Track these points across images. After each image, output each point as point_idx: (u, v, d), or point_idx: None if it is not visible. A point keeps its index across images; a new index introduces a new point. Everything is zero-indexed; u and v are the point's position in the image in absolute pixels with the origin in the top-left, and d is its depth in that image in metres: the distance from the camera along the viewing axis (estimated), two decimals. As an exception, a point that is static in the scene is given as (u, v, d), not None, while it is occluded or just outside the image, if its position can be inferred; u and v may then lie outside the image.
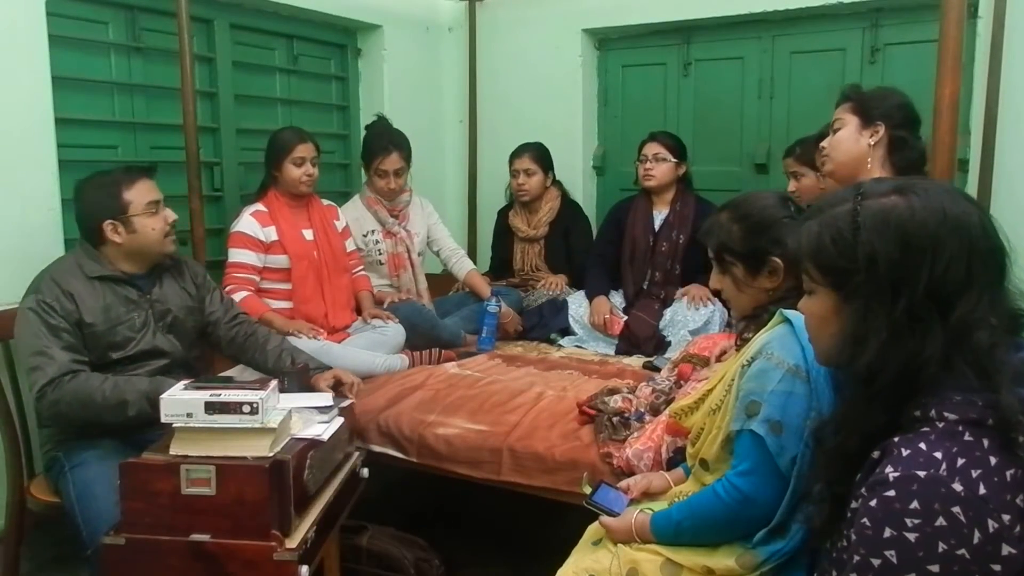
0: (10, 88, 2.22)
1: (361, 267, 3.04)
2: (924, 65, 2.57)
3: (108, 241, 2.01)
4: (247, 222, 2.63)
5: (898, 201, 0.94)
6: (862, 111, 1.95)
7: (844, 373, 0.98)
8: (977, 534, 0.81)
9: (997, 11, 2.74)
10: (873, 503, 0.86)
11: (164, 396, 1.59)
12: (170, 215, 2.08)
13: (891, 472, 0.86)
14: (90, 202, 2.02)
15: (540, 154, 3.40)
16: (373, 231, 3.10)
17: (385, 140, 3.03)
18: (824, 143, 2.04)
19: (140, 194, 2.01)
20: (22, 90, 2.25)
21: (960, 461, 0.84)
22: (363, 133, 3.20)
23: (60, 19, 2.44)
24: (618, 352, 2.96)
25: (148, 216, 2.02)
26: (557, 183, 3.47)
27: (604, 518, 1.54)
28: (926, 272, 0.90)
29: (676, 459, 1.79)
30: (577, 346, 3.06)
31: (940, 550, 0.81)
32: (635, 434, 1.96)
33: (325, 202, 2.90)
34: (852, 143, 1.96)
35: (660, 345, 2.91)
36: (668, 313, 2.99)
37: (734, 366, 1.45)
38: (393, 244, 3.12)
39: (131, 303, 2.03)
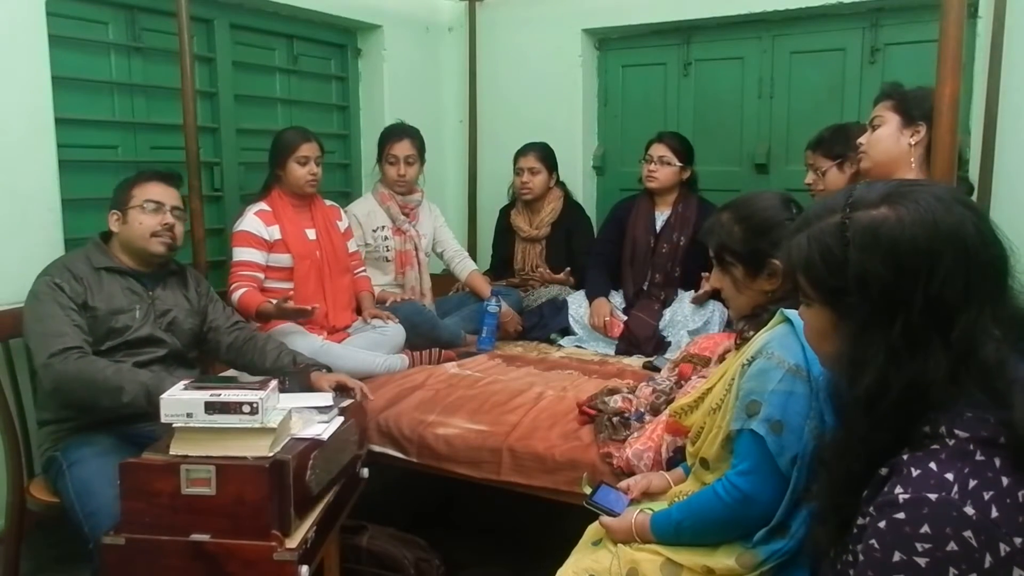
0: (10, 88, 2.22)
1: (363, 268, 3.04)
2: (924, 65, 2.55)
3: (112, 232, 2.13)
4: (251, 221, 2.63)
5: (888, 214, 0.89)
6: (904, 110, 1.92)
7: (845, 394, 0.95)
8: (988, 558, 0.79)
9: (997, 11, 2.74)
10: (882, 525, 0.83)
11: (164, 396, 1.59)
12: (167, 219, 2.12)
13: (901, 493, 0.83)
14: (113, 196, 2.17)
15: (545, 154, 3.40)
16: (383, 227, 3.11)
17: (398, 129, 3.13)
18: (862, 139, 2.00)
19: (144, 192, 2.12)
20: (22, 90, 2.25)
21: (972, 483, 0.81)
22: (363, 133, 3.21)
23: (60, 19, 2.43)
24: (618, 352, 2.96)
25: (141, 211, 2.10)
26: (560, 184, 3.47)
27: (604, 518, 1.55)
28: (921, 291, 0.86)
29: (676, 459, 1.79)
30: (577, 346, 3.06)
31: (951, 575, 0.80)
32: (635, 434, 1.96)
33: (328, 202, 2.91)
34: (892, 142, 1.93)
35: (660, 345, 2.91)
36: (668, 313, 3.00)
37: (734, 365, 1.45)
38: (402, 242, 3.13)
39: (134, 295, 2.10)
